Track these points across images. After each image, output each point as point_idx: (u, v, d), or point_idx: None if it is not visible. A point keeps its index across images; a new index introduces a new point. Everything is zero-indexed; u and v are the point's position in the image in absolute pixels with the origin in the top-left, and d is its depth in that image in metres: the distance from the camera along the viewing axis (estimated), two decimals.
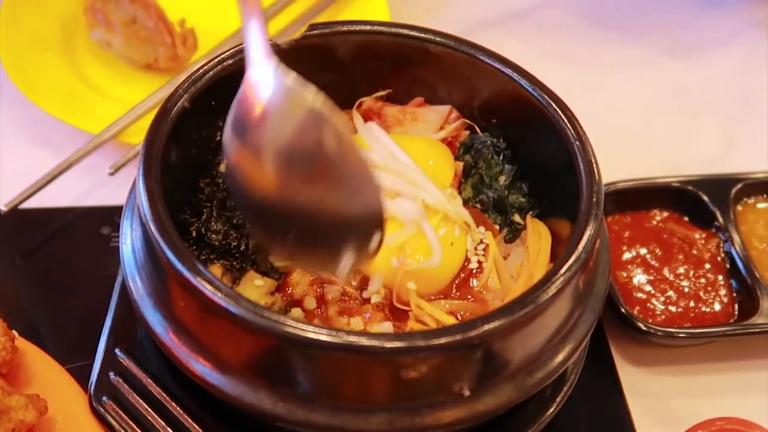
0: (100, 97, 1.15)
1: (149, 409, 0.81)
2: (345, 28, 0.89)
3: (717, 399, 0.95)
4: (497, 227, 0.88)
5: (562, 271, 0.73)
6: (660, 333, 0.94)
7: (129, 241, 0.80)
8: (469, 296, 0.82)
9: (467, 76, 0.90)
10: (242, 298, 0.69)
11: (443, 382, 0.71)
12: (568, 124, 0.83)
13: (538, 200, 0.89)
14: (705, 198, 1.05)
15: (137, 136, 1.08)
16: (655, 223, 1.06)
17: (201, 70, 0.83)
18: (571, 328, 0.77)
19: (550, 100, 0.84)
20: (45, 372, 0.82)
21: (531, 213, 0.88)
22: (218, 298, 0.68)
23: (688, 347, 0.99)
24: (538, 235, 0.85)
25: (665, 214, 1.07)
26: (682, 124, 1.25)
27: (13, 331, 0.81)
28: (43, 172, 1.03)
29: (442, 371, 0.70)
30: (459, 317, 0.81)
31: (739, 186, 1.06)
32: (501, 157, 0.90)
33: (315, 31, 0.88)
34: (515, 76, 0.86)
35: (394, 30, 0.90)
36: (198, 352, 0.73)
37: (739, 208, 1.07)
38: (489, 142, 0.91)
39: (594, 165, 0.80)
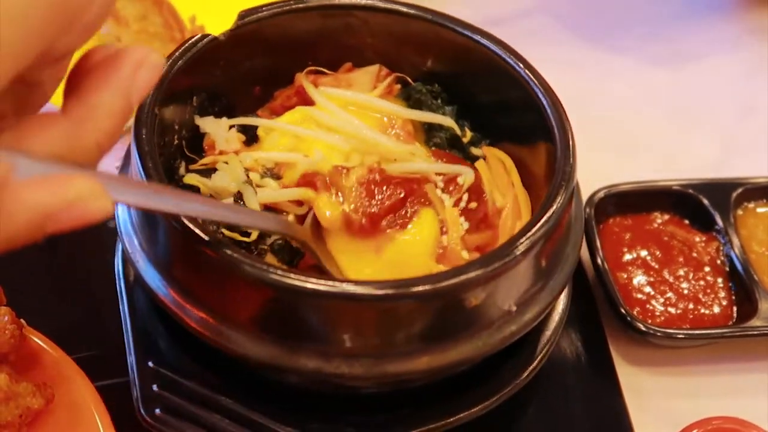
0: None
1: (204, 409, 0.80)
2: (270, 11, 0.90)
3: (715, 400, 0.96)
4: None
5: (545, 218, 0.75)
6: (659, 334, 0.95)
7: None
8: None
9: (390, 32, 0.92)
10: (235, 247, 0.71)
11: (417, 330, 0.73)
12: (506, 56, 0.86)
13: (485, 133, 0.92)
14: (705, 202, 1.06)
15: None
16: (655, 225, 1.07)
17: (193, 40, 0.86)
18: (544, 284, 0.79)
19: (480, 37, 0.88)
20: (52, 361, 0.83)
21: (483, 143, 0.92)
22: (213, 247, 0.70)
23: (686, 348, 1.00)
24: (499, 161, 0.89)
25: (666, 217, 1.08)
26: (683, 129, 1.26)
27: (22, 320, 0.82)
28: None
29: (416, 320, 0.73)
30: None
31: (739, 190, 1.07)
32: (439, 101, 0.93)
33: (245, 19, 0.89)
34: (437, 19, 0.90)
35: (315, 3, 0.91)
36: (194, 305, 0.74)
37: (740, 212, 1.08)
38: (423, 89, 0.93)
39: (550, 88, 0.84)
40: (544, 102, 0.84)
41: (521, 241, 0.74)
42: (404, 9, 0.91)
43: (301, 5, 0.91)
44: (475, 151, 0.91)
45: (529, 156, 0.89)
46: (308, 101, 0.92)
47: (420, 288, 0.71)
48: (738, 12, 1.45)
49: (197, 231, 0.71)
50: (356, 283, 0.71)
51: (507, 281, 0.75)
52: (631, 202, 1.07)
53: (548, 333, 0.88)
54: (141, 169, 0.75)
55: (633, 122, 1.27)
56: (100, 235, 1.02)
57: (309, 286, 0.69)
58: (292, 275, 0.70)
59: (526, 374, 0.85)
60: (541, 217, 0.76)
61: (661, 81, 1.33)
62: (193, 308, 0.75)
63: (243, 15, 0.89)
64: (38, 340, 0.84)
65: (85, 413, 0.81)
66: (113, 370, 0.89)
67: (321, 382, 0.78)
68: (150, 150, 0.76)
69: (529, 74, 0.86)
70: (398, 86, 0.95)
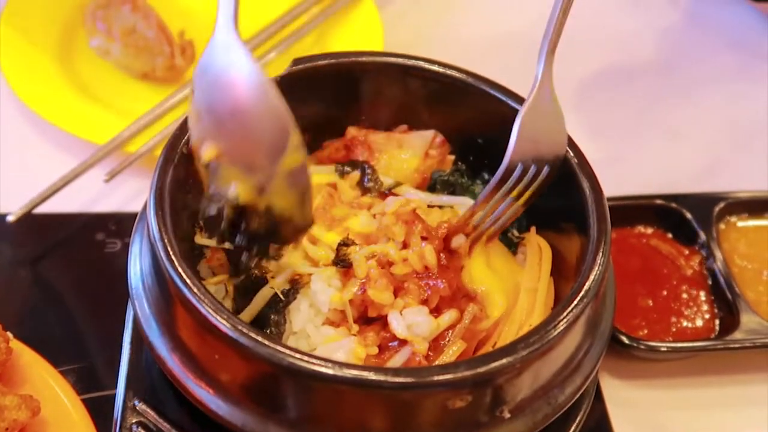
0: (96, 105, 1.16)
1: None
2: (326, 62, 0.89)
3: (696, 412, 0.97)
4: None
5: (574, 302, 0.73)
6: (642, 347, 0.96)
7: (138, 264, 0.80)
8: None
9: (452, 100, 0.91)
10: (245, 326, 0.69)
11: (453, 415, 0.70)
12: None
13: (530, 215, 0.89)
14: (689, 215, 1.07)
15: (133, 145, 1.10)
16: (639, 239, 1.08)
17: None
18: (578, 363, 0.77)
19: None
20: (38, 373, 0.83)
21: (519, 228, 0.89)
22: (222, 325, 0.68)
23: (669, 361, 1.01)
24: (537, 248, 0.86)
25: (650, 230, 1.09)
26: (667, 143, 1.27)
27: (8, 333, 0.83)
28: (35, 178, 1.05)
29: (448, 406, 0.70)
30: None
31: (722, 204, 1.08)
32: (477, 180, 0.92)
33: (299, 66, 0.88)
34: (499, 95, 0.88)
35: (376, 59, 0.90)
36: (201, 378, 0.73)
37: (722, 226, 1.09)
38: (456, 174, 0.92)
39: (595, 178, 0.82)
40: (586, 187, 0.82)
41: (553, 329, 0.71)
42: (458, 75, 0.89)
43: (354, 60, 0.90)
44: (513, 233, 0.89)
45: (562, 239, 0.87)
46: (356, 154, 0.90)
47: (459, 374, 0.68)
48: (725, 26, 1.46)
49: (210, 307, 0.70)
50: (375, 370, 0.68)
51: (546, 362, 0.73)
52: (615, 215, 1.06)
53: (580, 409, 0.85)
54: (155, 230, 0.74)
55: (617, 134, 1.28)
56: (88, 250, 1.03)
57: (347, 375, 0.67)
58: (313, 360, 0.67)
59: None
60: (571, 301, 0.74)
61: (646, 92, 1.35)
62: (205, 386, 0.73)
63: (297, 62, 0.87)
64: (25, 352, 0.84)
65: (71, 426, 0.81)
66: (99, 383, 0.90)
67: None
68: (164, 213, 0.75)
69: (571, 151, 0.83)
70: (452, 157, 0.93)
